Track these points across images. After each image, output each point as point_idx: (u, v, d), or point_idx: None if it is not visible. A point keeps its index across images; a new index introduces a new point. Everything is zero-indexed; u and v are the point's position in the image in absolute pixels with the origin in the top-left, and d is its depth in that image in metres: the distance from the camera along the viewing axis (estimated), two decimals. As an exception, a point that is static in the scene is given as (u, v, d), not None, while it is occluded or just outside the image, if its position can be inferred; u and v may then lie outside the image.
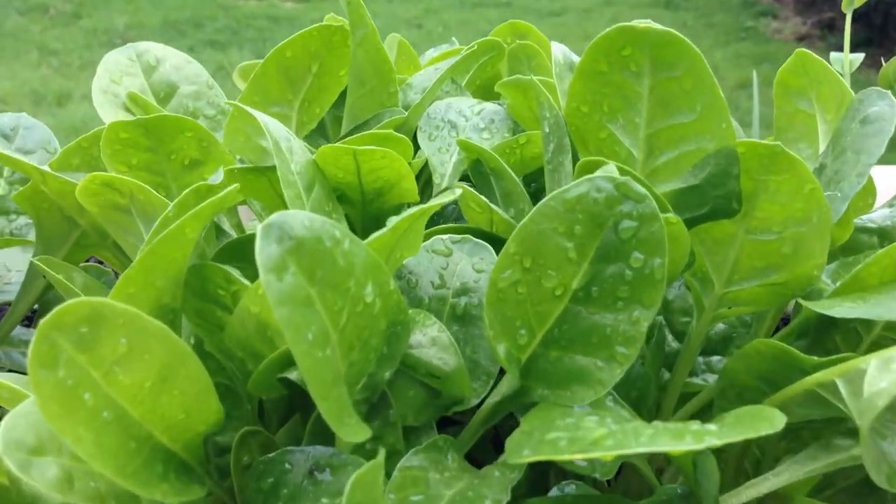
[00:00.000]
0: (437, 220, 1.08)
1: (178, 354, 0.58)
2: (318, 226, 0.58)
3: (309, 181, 0.83)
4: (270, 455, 0.69)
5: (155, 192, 0.81)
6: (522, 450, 0.58)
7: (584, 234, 0.66)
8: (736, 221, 0.77)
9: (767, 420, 0.61)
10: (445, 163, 1.10)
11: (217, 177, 0.76)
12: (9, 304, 1.28)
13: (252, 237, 0.97)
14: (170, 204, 0.80)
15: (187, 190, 0.72)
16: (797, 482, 0.75)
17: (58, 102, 5.80)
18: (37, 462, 0.56)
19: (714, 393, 0.79)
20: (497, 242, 0.89)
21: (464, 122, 1.13)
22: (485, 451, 0.88)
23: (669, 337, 0.94)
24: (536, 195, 1.12)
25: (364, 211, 0.96)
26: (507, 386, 0.71)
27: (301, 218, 0.57)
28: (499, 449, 0.93)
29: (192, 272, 0.72)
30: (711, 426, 0.59)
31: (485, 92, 1.32)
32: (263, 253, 0.54)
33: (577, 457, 0.54)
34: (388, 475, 0.69)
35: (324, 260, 0.58)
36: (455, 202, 1.07)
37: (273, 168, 0.84)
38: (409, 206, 1.03)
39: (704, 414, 0.87)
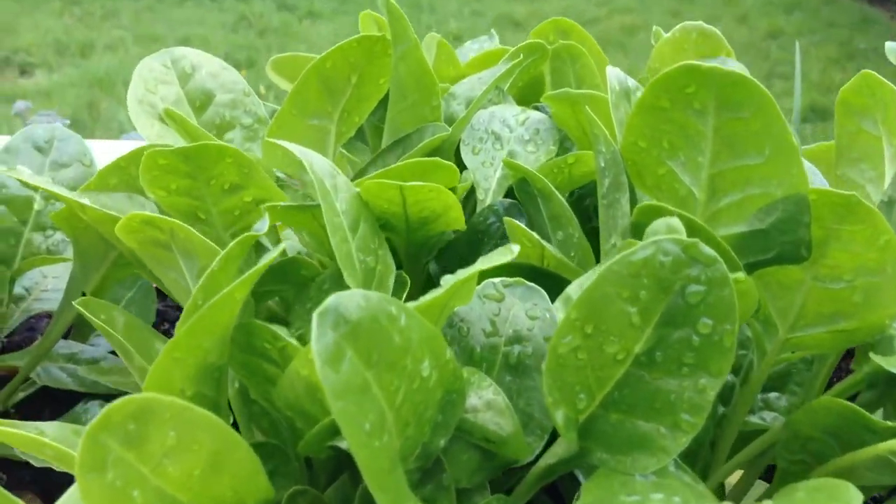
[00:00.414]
0: (482, 237, 1.04)
1: (227, 441, 0.56)
2: (374, 304, 0.56)
3: (354, 219, 0.80)
4: (320, 516, 0.68)
5: (196, 232, 0.79)
6: (587, 537, 0.56)
7: (649, 299, 0.63)
8: (804, 267, 0.74)
9: (844, 501, 0.58)
10: (489, 178, 1.07)
11: (262, 226, 0.73)
12: (47, 313, 1.28)
13: (295, 261, 0.95)
14: (209, 243, 0.78)
15: (232, 244, 0.70)
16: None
17: (81, 53, 5.78)
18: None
19: (778, 444, 0.76)
20: (549, 279, 0.86)
21: (508, 134, 1.09)
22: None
23: (725, 370, 0.90)
24: (586, 213, 1.08)
25: (408, 238, 0.93)
26: (564, 448, 0.69)
27: (357, 299, 0.55)
28: (553, 496, 0.91)
29: (238, 329, 0.70)
30: (786, 512, 0.56)
31: (527, 93, 1.28)
32: (320, 343, 0.51)
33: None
34: (441, 538, 0.68)
35: (380, 341, 0.56)
36: (499, 219, 1.04)
37: (317, 206, 0.81)
38: (454, 232, 1.00)
39: (763, 459, 0.84)
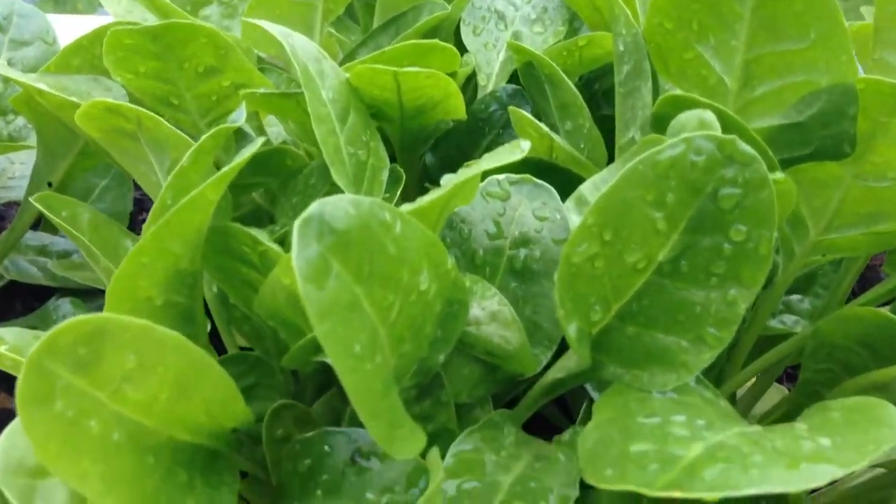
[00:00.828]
0: (483, 126, 0.96)
1: (197, 363, 0.49)
2: (365, 210, 0.48)
3: (343, 108, 0.72)
4: (308, 435, 0.62)
5: (165, 122, 0.70)
6: (604, 467, 0.51)
7: (676, 203, 0.55)
8: (844, 164, 0.66)
9: (886, 424, 0.53)
10: (492, 62, 0.98)
11: (239, 116, 0.65)
12: (15, 202, 1.20)
13: (280, 151, 0.87)
14: (179, 134, 0.70)
15: (204, 137, 0.62)
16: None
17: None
18: (42, 486, 0.49)
19: (805, 352, 0.70)
20: (558, 175, 0.78)
21: (513, 12, 0.99)
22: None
23: (744, 272, 0.84)
24: (595, 100, 1.00)
25: (403, 128, 0.85)
26: (575, 362, 0.63)
27: (345, 205, 0.47)
28: (560, 406, 0.86)
29: (213, 231, 0.62)
30: (824, 440, 0.50)
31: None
32: (302, 256, 0.44)
33: (675, 493, 0.46)
34: (440, 454, 0.63)
35: (373, 251, 0.49)
36: (502, 106, 0.96)
37: (301, 92, 0.73)
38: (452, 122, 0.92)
39: (779, 366, 0.79)
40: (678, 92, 0.66)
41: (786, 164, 0.68)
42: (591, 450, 0.53)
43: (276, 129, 1.03)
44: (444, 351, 0.58)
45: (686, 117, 0.62)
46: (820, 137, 0.66)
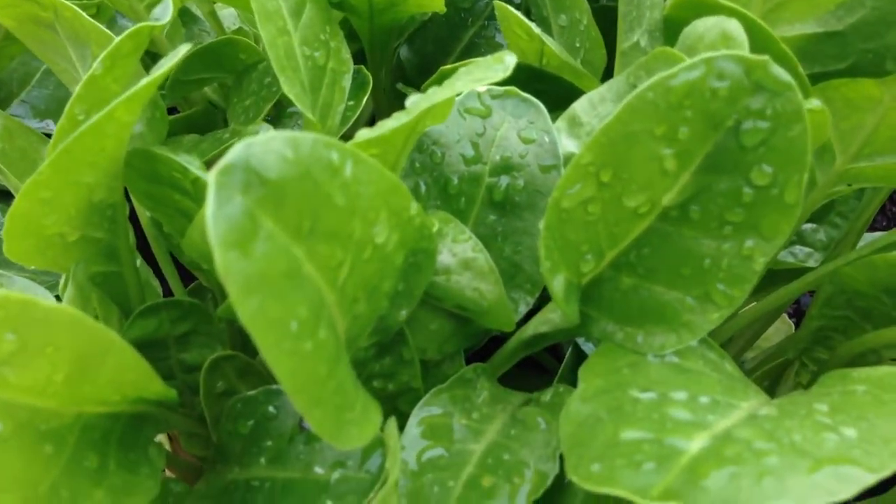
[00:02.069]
0: (465, 17, 0.84)
1: (98, 342, 0.40)
2: (305, 153, 0.38)
3: (297, 0, 0.60)
4: (251, 393, 0.54)
5: (84, 15, 0.59)
6: (590, 460, 0.43)
7: (690, 138, 0.46)
8: (885, 83, 0.56)
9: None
10: (477, -61, 0.85)
11: (164, 12, 0.53)
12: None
13: (231, 43, 0.76)
14: (101, 28, 0.59)
15: (123, 35, 0.51)
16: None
17: None
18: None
19: (820, 298, 0.62)
20: (549, 84, 0.68)
21: None
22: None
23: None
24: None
25: (372, 22, 0.73)
26: (560, 316, 0.55)
27: (278, 147, 0.37)
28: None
29: (136, 156, 0.52)
30: (849, 431, 0.43)
31: None
32: (220, 217, 0.35)
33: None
34: (401, 414, 0.55)
35: (316, 203, 0.39)
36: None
37: (246, -19, 0.61)
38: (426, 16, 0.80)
39: (785, 305, 0.71)
40: (696, -7, 0.55)
41: (815, 80, 0.58)
42: (575, 434, 0.45)
43: (231, 12, 0.91)
44: (407, 307, 0.50)
45: (705, 26, 0.51)
46: (859, 51, 0.55)
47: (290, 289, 0.38)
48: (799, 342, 0.67)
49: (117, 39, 0.50)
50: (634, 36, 0.62)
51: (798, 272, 0.70)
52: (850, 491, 0.38)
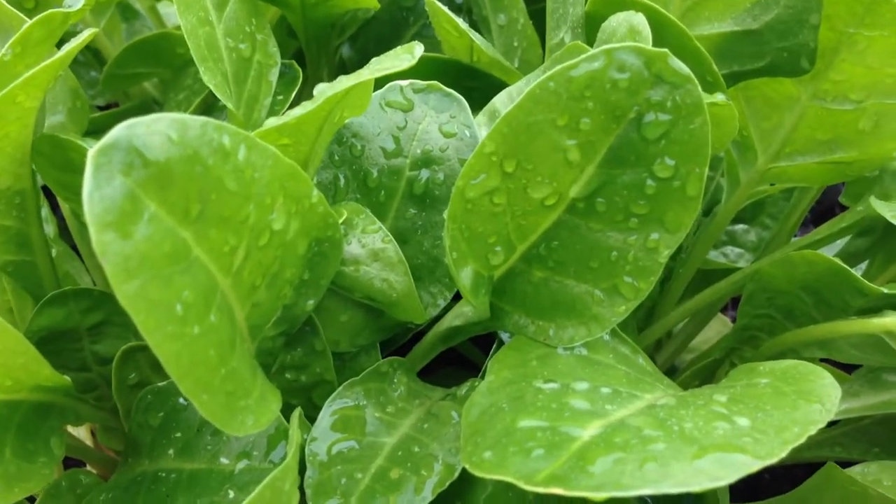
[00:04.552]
0: (407, 16, 0.85)
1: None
2: (193, 136, 0.38)
3: (222, -10, 0.60)
4: (161, 384, 0.54)
5: (6, 5, 0.58)
6: (484, 448, 0.43)
7: (592, 130, 0.46)
8: (801, 82, 0.57)
9: (817, 398, 0.45)
10: (420, -61, 0.85)
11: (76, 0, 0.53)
12: None
13: (167, 37, 0.76)
14: (20, 16, 0.58)
15: (32, 21, 0.50)
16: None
17: None
18: None
19: (743, 296, 0.62)
20: (480, 81, 0.68)
21: None
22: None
23: (686, 194, 0.75)
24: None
25: (305, 16, 0.73)
26: (473, 309, 0.55)
27: (163, 129, 0.37)
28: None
29: (45, 142, 0.52)
30: (742, 420, 0.43)
31: None
32: (98, 196, 0.35)
33: (555, 491, 0.38)
34: (315, 407, 0.55)
35: (204, 187, 0.39)
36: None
37: (170, -29, 0.61)
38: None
39: (718, 304, 0.71)
40: (613, -10, 0.56)
41: (734, 79, 0.59)
42: (475, 424, 0.45)
43: (174, 10, 0.90)
44: (314, 296, 0.49)
45: (616, 21, 0.51)
46: (775, 49, 0.56)
47: (175, 272, 0.38)
48: (726, 342, 0.68)
49: (27, 24, 0.50)
50: (560, 33, 0.63)
51: (729, 273, 0.70)
52: (733, 477, 0.38)
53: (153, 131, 0.37)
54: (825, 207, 1.01)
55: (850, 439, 0.63)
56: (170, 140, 0.37)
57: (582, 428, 0.42)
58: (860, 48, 0.53)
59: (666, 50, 0.44)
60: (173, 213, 0.38)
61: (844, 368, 0.70)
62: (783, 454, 0.40)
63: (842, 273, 0.55)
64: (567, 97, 0.45)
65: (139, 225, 0.36)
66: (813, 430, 0.42)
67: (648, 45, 0.45)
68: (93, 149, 0.35)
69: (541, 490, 0.39)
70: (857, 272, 0.63)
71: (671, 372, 0.77)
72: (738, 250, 0.74)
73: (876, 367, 0.60)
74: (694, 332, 0.76)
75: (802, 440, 0.41)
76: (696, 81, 0.44)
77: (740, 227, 0.75)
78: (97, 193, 0.35)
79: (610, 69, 0.44)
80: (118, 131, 0.36)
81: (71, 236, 0.75)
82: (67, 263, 0.67)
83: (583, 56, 0.44)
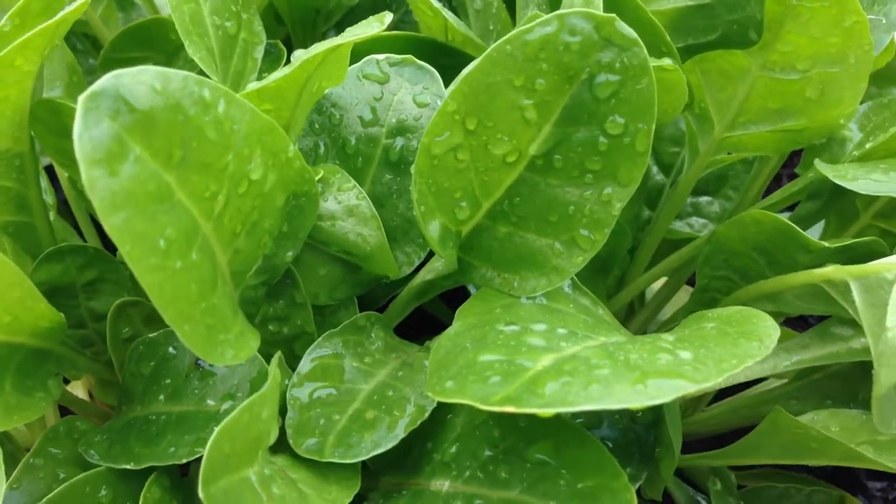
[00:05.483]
0: (390, 3, 0.89)
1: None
2: (175, 88, 0.42)
3: (209, -29, 0.64)
4: (152, 335, 0.58)
5: (6, -17, 0.62)
6: (446, 378, 0.46)
7: (548, 90, 0.50)
8: (751, 53, 0.60)
9: (756, 337, 0.49)
10: (402, -71, 0.89)
11: (72, -25, 0.57)
12: None
13: (160, 23, 0.80)
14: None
15: (30, -6, 0.54)
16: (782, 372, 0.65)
17: None
18: None
19: (700, 258, 0.66)
20: (453, 58, 0.72)
21: None
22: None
23: (654, 169, 0.79)
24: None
25: (291, 0, 0.77)
26: (443, 263, 0.58)
27: (148, 79, 0.41)
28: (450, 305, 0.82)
29: (42, 107, 0.56)
30: (685, 353, 0.46)
31: None
32: (87, 136, 0.38)
33: (508, 409, 0.42)
34: (297, 358, 0.58)
35: (186, 135, 0.43)
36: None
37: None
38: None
39: (687, 269, 0.75)
40: (573, -35, 0.59)
41: (691, 52, 0.62)
42: (441, 360, 0.49)
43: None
44: (293, 248, 0.53)
45: (574, -6, 0.55)
46: (726, 22, 0.60)
47: (158, 211, 0.41)
48: (689, 304, 0.71)
49: (25, -3, 0.53)
50: (529, 10, 0.67)
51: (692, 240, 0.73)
52: (670, 397, 0.42)
53: (138, 81, 0.41)
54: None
55: (803, 393, 0.67)
56: (153, 90, 0.41)
57: (535, 361, 0.46)
58: (804, 19, 0.57)
59: (614, 15, 0.48)
60: (157, 158, 0.41)
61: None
62: (719, 379, 0.43)
63: (788, 231, 0.58)
64: (523, 59, 0.49)
65: (125, 165, 0.40)
66: (750, 363, 0.46)
67: (600, 12, 0.49)
68: (82, 95, 0.39)
69: (495, 409, 0.42)
70: (813, 233, 0.67)
71: (641, 339, 0.80)
72: (702, 220, 0.78)
73: (826, 323, 0.64)
74: (665, 299, 0.80)
75: (739, 369, 0.45)
76: (643, 44, 0.48)
77: (704, 199, 0.79)
78: (86, 134, 0.38)
79: (562, 32, 0.48)
80: (105, 80, 0.40)
81: (69, 215, 0.79)
82: (65, 234, 0.71)
83: (537, 21, 0.48)
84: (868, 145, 0.60)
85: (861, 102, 0.64)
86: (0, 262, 0.45)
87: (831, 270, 0.54)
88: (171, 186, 0.42)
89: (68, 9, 0.51)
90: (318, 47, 0.51)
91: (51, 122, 0.56)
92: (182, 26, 0.59)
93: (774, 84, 0.61)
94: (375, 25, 0.51)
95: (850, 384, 0.66)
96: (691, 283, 0.84)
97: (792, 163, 1.02)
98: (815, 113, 0.61)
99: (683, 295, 0.86)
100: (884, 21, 0.63)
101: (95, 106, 0.39)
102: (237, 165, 0.46)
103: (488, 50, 0.49)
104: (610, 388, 0.42)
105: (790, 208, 0.72)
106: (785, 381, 0.72)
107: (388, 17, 0.52)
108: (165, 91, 0.42)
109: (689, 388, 0.42)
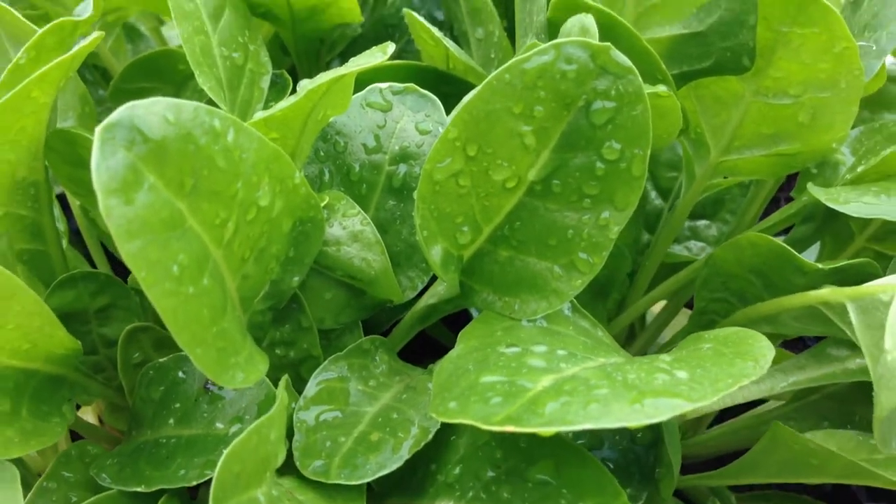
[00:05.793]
0: (393, 32, 0.91)
1: (4, 288, 0.45)
2: (186, 118, 0.44)
3: (217, 4, 0.66)
4: (162, 360, 0.59)
5: (22, 18, 0.64)
6: (449, 399, 0.48)
7: (546, 117, 0.51)
8: (744, 79, 0.62)
9: (752, 357, 0.50)
10: (404, -39, 0.91)
11: (84, 9, 0.59)
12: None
13: (169, 55, 0.82)
14: (37, 30, 0.64)
15: (45, 28, 0.56)
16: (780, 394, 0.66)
17: None
18: None
19: (698, 280, 0.67)
20: (455, 86, 0.74)
21: None
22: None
23: (652, 193, 0.81)
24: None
25: (295, 31, 0.79)
26: (445, 287, 0.60)
27: (161, 110, 0.43)
28: (452, 329, 0.83)
29: (57, 138, 0.57)
30: (682, 373, 0.48)
31: None
32: (104, 167, 0.40)
33: (509, 428, 0.43)
34: (304, 381, 0.60)
35: (197, 164, 0.44)
36: (414, 10, 0.90)
37: (170, -13, 0.67)
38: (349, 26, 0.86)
39: (686, 292, 0.76)
40: (571, -5, 0.61)
41: (685, 79, 0.64)
42: (443, 382, 0.50)
43: (177, 32, 0.97)
44: (299, 273, 0.55)
45: (571, 22, 0.57)
46: (719, 49, 0.61)
47: (171, 237, 0.43)
48: (688, 327, 0.72)
49: (39, 32, 0.55)
50: (527, 39, 0.68)
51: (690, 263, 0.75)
52: (667, 415, 0.43)
53: (151, 112, 0.42)
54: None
55: (801, 414, 0.68)
56: (166, 120, 0.43)
57: (536, 382, 0.47)
58: (795, 46, 0.58)
59: (608, 44, 0.49)
60: (170, 186, 0.43)
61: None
62: (715, 398, 0.45)
63: (783, 253, 0.60)
64: (521, 87, 0.50)
65: (140, 193, 0.41)
66: (745, 381, 0.47)
67: (594, 40, 0.50)
68: (99, 126, 0.40)
69: (496, 429, 0.44)
70: (809, 256, 0.68)
71: (642, 360, 0.81)
72: (700, 244, 0.79)
73: (822, 344, 0.65)
74: (664, 322, 0.81)
75: (734, 388, 0.46)
76: (637, 72, 0.50)
77: (702, 222, 0.80)
78: (103, 164, 0.40)
79: (559, 61, 0.50)
80: (121, 111, 0.41)
81: (80, 243, 0.80)
82: (77, 262, 0.72)
83: (534, 50, 0.50)
84: (860, 169, 0.61)
85: (853, 127, 0.66)
86: (22, 291, 0.46)
87: (828, 293, 0.55)
88: (183, 214, 0.44)
89: (83, 43, 0.52)
90: (323, 77, 0.53)
91: (65, 152, 0.58)
92: (193, 58, 0.60)
93: (768, 109, 0.62)
94: (378, 56, 0.53)
95: (846, 405, 0.67)
96: (690, 305, 0.85)
97: (789, 185, 1.03)
98: (807, 137, 0.63)
99: (683, 318, 0.88)
100: (874, 47, 0.64)
101: (111, 137, 0.40)
102: (246, 193, 0.47)
103: (488, 78, 0.50)
104: (608, 408, 0.43)
105: (787, 231, 0.73)
106: (783, 402, 0.73)
107: (390, 47, 0.54)
108: (178, 121, 0.43)
109: (685, 406, 0.43)
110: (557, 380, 0.47)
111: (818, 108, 0.61)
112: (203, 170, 0.45)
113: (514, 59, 0.50)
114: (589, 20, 0.55)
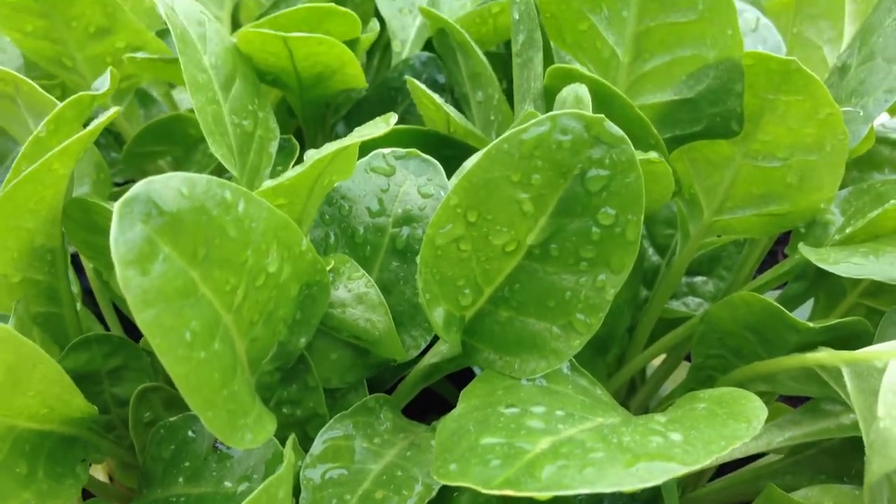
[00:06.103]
0: (395, 96, 0.93)
1: (28, 358, 0.47)
2: (200, 191, 0.46)
3: (228, 75, 0.69)
4: (172, 419, 0.60)
5: (41, 90, 0.67)
6: (450, 461, 0.49)
7: (543, 185, 0.54)
8: (734, 143, 0.65)
9: (745, 419, 0.52)
10: (408, 27, 0.95)
11: (102, 83, 0.62)
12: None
13: (180, 119, 0.84)
14: (55, 101, 0.67)
15: (65, 102, 0.59)
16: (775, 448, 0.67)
17: None
18: None
19: (694, 338, 0.69)
20: (456, 149, 0.76)
21: (430, -24, 0.96)
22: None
23: (650, 250, 0.83)
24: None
25: (302, 97, 0.82)
26: (448, 347, 0.61)
27: (176, 184, 0.45)
28: (456, 385, 0.84)
29: (74, 206, 0.60)
30: (676, 435, 0.49)
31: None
32: (122, 239, 0.42)
33: (507, 492, 0.45)
34: (310, 439, 0.61)
35: (210, 234, 0.46)
36: (415, 74, 0.93)
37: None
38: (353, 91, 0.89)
39: (684, 347, 0.78)
40: (564, 64, 0.64)
41: (677, 142, 0.66)
42: (444, 443, 0.52)
43: (188, 96, 1.00)
44: (305, 334, 0.56)
45: (566, 92, 0.59)
46: (709, 115, 0.64)
47: (184, 305, 0.45)
48: (686, 383, 0.74)
49: (59, 106, 0.58)
50: (525, 105, 0.71)
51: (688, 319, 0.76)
52: (661, 479, 0.44)
53: (167, 186, 0.44)
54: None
55: (798, 468, 0.69)
56: (181, 194, 0.45)
57: (535, 443, 0.48)
58: (780, 112, 0.61)
59: (602, 115, 0.52)
60: (183, 255, 0.45)
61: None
62: (707, 462, 0.46)
63: (776, 312, 0.61)
64: (519, 156, 0.53)
65: (155, 264, 0.43)
66: (737, 444, 0.48)
67: (589, 112, 0.53)
68: (118, 201, 0.43)
69: (495, 493, 0.45)
70: (802, 312, 0.70)
71: (644, 413, 0.83)
72: (697, 300, 0.81)
73: (817, 399, 0.66)
74: (664, 376, 0.83)
75: (727, 450, 0.47)
76: (630, 141, 0.52)
77: (699, 278, 0.82)
78: (121, 238, 0.42)
79: (555, 132, 0.52)
80: (139, 186, 0.43)
81: (93, 303, 0.82)
82: (89, 322, 0.74)
83: (532, 121, 0.52)
84: (849, 229, 0.63)
85: (843, 187, 0.68)
86: (44, 361, 0.48)
87: (824, 356, 0.57)
88: (195, 282, 0.46)
89: (101, 117, 0.55)
90: (329, 147, 0.55)
91: (81, 218, 0.60)
92: (206, 126, 0.63)
93: (757, 171, 0.65)
94: (382, 126, 0.55)
95: (842, 459, 0.68)
96: (689, 358, 0.86)
97: (786, 239, 1.05)
98: (796, 198, 0.65)
99: (683, 371, 0.89)
100: (861, 113, 0.67)
101: (129, 211, 0.42)
102: (255, 260, 0.49)
103: (487, 147, 0.53)
104: (603, 472, 0.45)
105: (783, 284, 0.75)
106: (782, 455, 0.74)
107: (392, 118, 0.56)
108: (192, 194, 0.45)
109: (679, 470, 0.45)
110: (555, 442, 0.48)
111: (806, 170, 0.64)
112: (215, 239, 0.47)
113: (511, 130, 0.52)
114: (583, 90, 0.57)
